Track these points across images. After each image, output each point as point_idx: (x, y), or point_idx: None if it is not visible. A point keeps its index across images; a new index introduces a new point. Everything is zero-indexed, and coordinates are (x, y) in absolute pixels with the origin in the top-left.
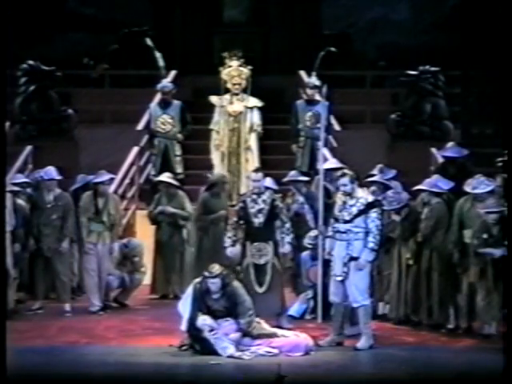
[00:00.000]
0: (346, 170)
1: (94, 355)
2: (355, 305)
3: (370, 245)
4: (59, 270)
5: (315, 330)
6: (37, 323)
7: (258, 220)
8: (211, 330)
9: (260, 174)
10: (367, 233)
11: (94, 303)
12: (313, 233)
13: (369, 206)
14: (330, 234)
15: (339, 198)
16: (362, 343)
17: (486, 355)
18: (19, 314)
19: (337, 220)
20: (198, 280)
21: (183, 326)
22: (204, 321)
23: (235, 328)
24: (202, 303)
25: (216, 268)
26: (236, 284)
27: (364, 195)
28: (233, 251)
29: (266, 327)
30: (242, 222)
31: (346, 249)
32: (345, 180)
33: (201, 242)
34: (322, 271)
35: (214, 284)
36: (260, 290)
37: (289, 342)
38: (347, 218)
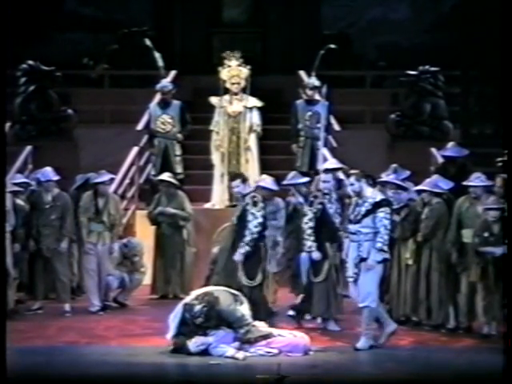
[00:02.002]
0: (353, 170)
1: (94, 355)
2: (361, 305)
3: (378, 245)
4: (59, 270)
5: (315, 329)
6: (37, 323)
7: (338, 220)
8: (206, 349)
9: (330, 175)
10: (376, 233)
11: (93, 303)
12: None
13: (376, 206)
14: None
15: (354, 199)
16: (361, 343)
17: (486, 355)
18: (19, 314)
19: (350, 221)
20: (186, 301)
21: (168, 336)
22: (195, 343)
23: (232, 336)
24: (192, 325)
25: (197, 308)
26: (222, 306)
27: (373, 195)
28: (319, 256)
29: (261, 328)
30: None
31: (356, 250)
32: (352, 179)
33: (234, 245)
34: None
35: (199, 320)
36: (340, 290)
37: (289, 343)
38: (356, 218)
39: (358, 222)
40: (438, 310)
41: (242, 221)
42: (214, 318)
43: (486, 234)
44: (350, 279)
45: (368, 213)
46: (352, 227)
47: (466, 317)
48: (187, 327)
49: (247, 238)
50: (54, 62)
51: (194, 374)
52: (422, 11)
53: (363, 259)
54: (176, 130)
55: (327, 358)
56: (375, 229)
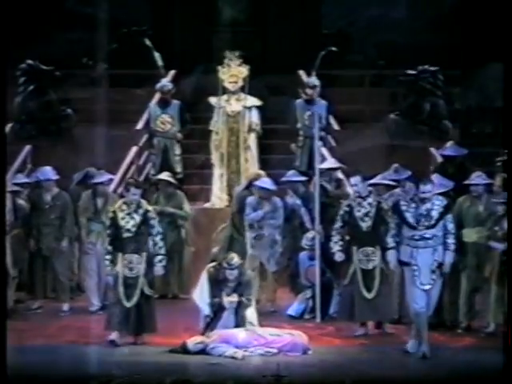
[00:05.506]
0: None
1: (94, 354)
2: (430, 313)
3: (452, 247)
4: (58, 269)
5: (314, 329)
6: (36, 323)
7: (366, 224)
8: (204, 348)
9: (358, 178)
10: (445, 235)
11: (93, 303)
12: (310, 234)
13: (447, 208)
14: (404, 241)
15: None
16: (411, 345)
17: (485, 354)
18: (19, 313)
19: (413, 227)
20: (211, 265)
21: (206, 311)
22: (194, 341)
23: (231, 335)
24: (216, 288)
25: (235, 260)
26: (249, 271)
27: (440, 197)
28: (342, 256)
29: (259, 331)
30: (343, 226)
31: (432, 255)
32: (428, 187)
33: (231, 237)
34: (319, 271)
35: (233, 274)
36: (369, 296)
37: (288, 342)
38: (431, 222)
39: (432, 226)
40: (438, 308)
41: (144, 230)
42: (243, 275)
43: (496, 228)
44: (428, 286)
45: (441, 216)
46: (427, 232)
47: (465, 316)
48: (217, 289)
49: (164, 250)
50: (53, 62)
51: (194, 373)
52: (421, 10)
53: (441, 264)
54: (175, 129)
55: (326, 357)
56: (445, 231)
